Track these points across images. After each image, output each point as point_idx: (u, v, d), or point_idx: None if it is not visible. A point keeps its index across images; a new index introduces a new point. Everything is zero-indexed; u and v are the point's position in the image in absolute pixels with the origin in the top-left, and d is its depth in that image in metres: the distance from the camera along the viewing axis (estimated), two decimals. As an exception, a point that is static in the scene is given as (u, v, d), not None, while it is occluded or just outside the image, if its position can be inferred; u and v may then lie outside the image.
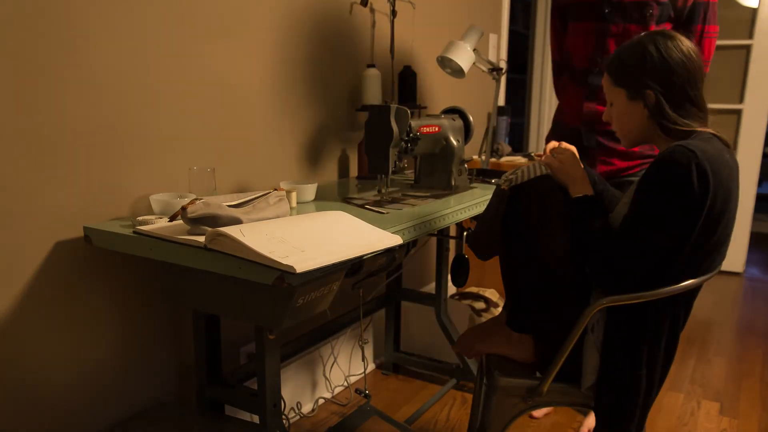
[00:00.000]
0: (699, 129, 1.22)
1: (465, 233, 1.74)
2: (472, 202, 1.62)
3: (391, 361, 2.35)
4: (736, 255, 3.78)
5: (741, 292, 3.48)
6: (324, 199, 1.66)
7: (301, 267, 0.99)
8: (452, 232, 2.36)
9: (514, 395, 1.30)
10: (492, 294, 2.54)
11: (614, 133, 1.36)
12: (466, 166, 1.82)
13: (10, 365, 1.25)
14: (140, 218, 1.29)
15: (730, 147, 1.22)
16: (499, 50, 3.36)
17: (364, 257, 1.14)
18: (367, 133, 1.57)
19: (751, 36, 3.57)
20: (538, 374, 1.34)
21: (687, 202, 1.12)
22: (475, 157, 2.92)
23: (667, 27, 1.86)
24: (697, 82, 1.22)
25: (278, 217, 1.27)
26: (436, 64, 2.36)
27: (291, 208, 1.50)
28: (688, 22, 1.86)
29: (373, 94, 2.06)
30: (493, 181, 1.99)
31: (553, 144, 1.39)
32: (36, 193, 1.25)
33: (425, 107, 2.34)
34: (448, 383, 2.25)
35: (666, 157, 1.13)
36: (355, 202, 1.60)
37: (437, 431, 1.96)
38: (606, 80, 1.32)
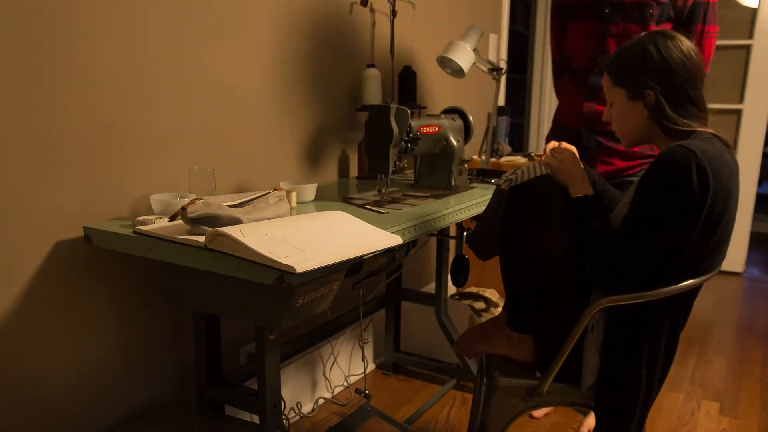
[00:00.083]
0: (699, 129, 1.22)
1: (465, 233, 1.74)
2: (472, 202, 1.62)
3: (391, 361, 2.35)
4: (736, 255, 3.78)
5: (741, 292, 3.48)
6: (324, 199, 1.66)
7: (301, 267, 0.99)
8: (452, 232, 2.36)
9: (514, 395, 1.30)
10: (492, 294, 2.53)
11: (614, 133, 1.36)
12: (466, 166, 1.82)
13: (10, 365, 1.25)
14: (140, 218, 1.29)
15: (730, 147, 1.22)
16: (499, 50, 3.36)
17: (364, 257, 1.14)
18: (367, 133, 1.57)
19: (751, 36, 3.57)
20: (538, 374, 1.34)
21: (687, 202, 1.12)
22: (475, 157, 2.92)
23: (667, 27, 1.86)
24: (697, 82, 1.22)
25: (278, 217, 1.27)
26: (436, 64, 2.36)
27: (291, 208, 1.50)
28: (688, 22, 1.86)
29: (373, 94, 2.06)
30: (493, 181, 1.99)
31: (553, 144, 1.39)
32: (36, 193, 1.25)
33: (425, 107, 2.34)
34: (448, 383, 2.25)
35: (666, 157, 1.13)
36: (355, 202, 1.60)
37: (437, 431, 1.96)
38: (606, 80, 1.32)
